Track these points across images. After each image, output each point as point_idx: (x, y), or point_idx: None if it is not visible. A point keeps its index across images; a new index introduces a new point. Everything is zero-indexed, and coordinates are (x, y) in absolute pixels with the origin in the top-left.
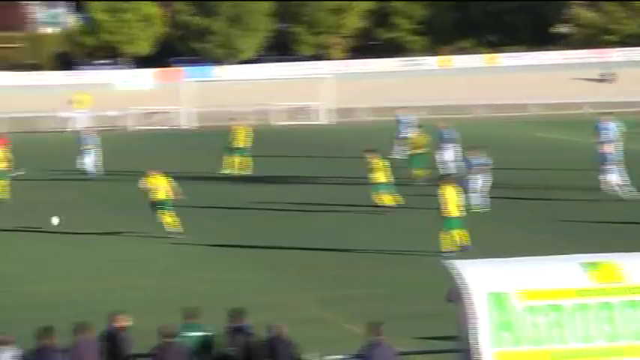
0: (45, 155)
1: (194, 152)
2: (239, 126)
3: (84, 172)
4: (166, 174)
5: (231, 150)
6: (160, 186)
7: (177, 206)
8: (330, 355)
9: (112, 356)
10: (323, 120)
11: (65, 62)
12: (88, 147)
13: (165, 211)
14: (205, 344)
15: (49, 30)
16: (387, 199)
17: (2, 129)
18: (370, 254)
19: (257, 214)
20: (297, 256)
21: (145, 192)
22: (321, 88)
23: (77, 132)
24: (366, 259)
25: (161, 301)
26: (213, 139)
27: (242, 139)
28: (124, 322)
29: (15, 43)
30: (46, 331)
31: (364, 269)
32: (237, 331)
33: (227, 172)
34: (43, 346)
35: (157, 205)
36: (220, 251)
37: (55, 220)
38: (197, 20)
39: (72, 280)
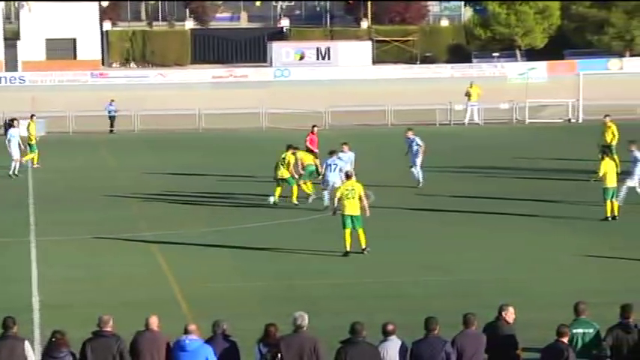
0: (441, 148)
1: (579, 146)
2: (611, 122)
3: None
4: None
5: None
6: None
7: None
8: None
9: None
10: None
11: (459, 55)
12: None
13: None
14: (593, 341)
15: (445, 23)
16: None
17: (394, 121)
18: None
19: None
20: None
21: None
22: None
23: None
24: None
25: None
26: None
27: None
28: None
29: (410, 36)
30: None
31: None
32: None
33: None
34: None
35: None
36: None
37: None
38: (594, 12)
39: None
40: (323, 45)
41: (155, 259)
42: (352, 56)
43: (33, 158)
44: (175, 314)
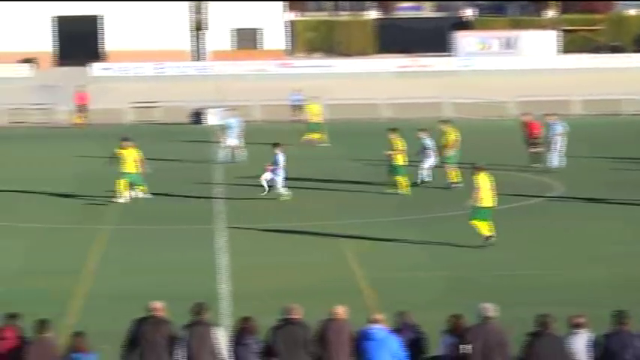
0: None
1: None
2: None
3: None
4: None
5: None
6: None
7: None
8: None
9: None
10: None
11: None
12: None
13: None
14: None
15: (632, 11)
16: None
17: (580, 111)
18: None
19: None
20: None
21: None
22: None
23: None
24: None
25: None
26: None
27: None
28: None
29: (597, 26)
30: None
31: None
32: None
33: None
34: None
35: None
36: None
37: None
38: None
39: None
40: (507, 35)
41: (341, 249)
42: (537, 46)
43: (319, 137)
44: (361, 304)
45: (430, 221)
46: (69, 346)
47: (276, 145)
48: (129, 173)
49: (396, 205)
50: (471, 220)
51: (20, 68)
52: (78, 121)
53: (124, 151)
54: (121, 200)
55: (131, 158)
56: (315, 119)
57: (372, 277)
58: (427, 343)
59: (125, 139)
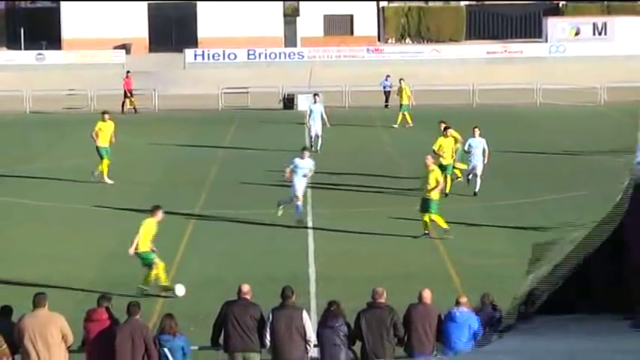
0: None
1: None
2: None
3: None
4: None
5: None
6: None
7: None
8: None
9: None
10: None
11: None
12: None
13: None
14: None
15: None
16: None
17: None
18: None
19: None
20: None
21: None
22: None
23: None
24: None
25: None
26: None
27: None
28: None
29: None
30: None
31: None
32: None
33: None
34: None
35: None
36: None
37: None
38: None
39: None
40: (599, 20)
41: (429, 235)
42: (630, 32)
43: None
44: (448, 288)
45: (520, 206)
46: (158, 328)
47: (304, 149)
48: (103, 147)
49: (490, 192)
50: (435, 213)
51: (115, 54)
52: (130, 105)
53: (103, 124)
54: (109, 182)
55: (108, 132)
56: (406, 101)
57: (460, 262)
58: (501, 320)
59: (105, 112)
